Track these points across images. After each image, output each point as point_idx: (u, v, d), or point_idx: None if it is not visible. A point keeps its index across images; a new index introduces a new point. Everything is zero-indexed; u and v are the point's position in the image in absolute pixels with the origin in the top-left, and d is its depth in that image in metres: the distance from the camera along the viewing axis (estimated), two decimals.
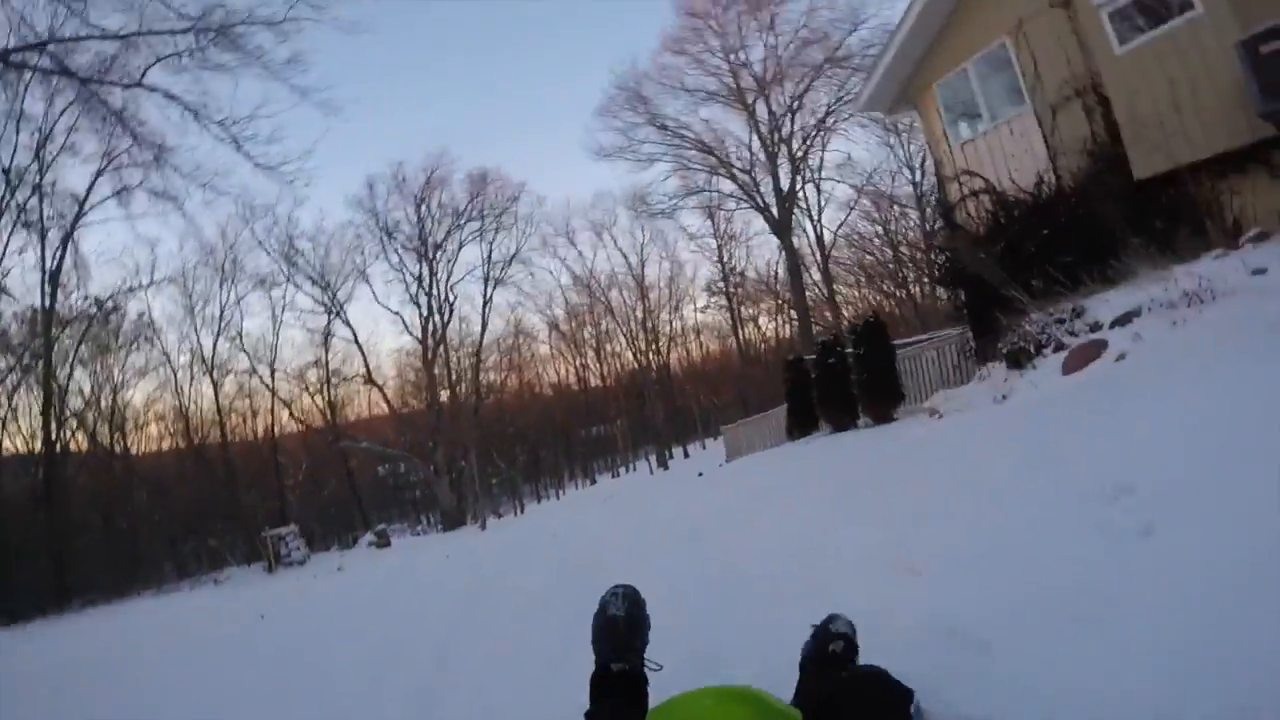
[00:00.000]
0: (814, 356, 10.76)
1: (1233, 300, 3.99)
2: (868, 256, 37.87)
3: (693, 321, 47.73)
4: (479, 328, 28.28)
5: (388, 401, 26.74)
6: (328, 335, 27.13)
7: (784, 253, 26.26)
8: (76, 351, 24.20)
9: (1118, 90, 7.52)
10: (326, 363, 27.99)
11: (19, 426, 23.83)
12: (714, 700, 1.81)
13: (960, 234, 9.34)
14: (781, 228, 25.31)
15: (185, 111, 16.30)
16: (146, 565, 24.46)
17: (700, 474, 15.58)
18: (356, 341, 26.59)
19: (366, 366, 26.74)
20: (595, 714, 1.76)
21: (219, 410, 28.54)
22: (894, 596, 2.52)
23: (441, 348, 25.07)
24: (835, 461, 6.54)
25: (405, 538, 25.30)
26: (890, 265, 36.45)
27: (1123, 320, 4.42)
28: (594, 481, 42.29)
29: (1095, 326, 4.65)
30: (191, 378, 27.94)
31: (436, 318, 24.94)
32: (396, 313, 26.00)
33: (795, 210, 26.82)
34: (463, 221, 27.04)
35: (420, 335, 25.08)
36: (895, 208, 33.58)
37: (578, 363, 45.76)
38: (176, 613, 13.55)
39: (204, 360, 27.06)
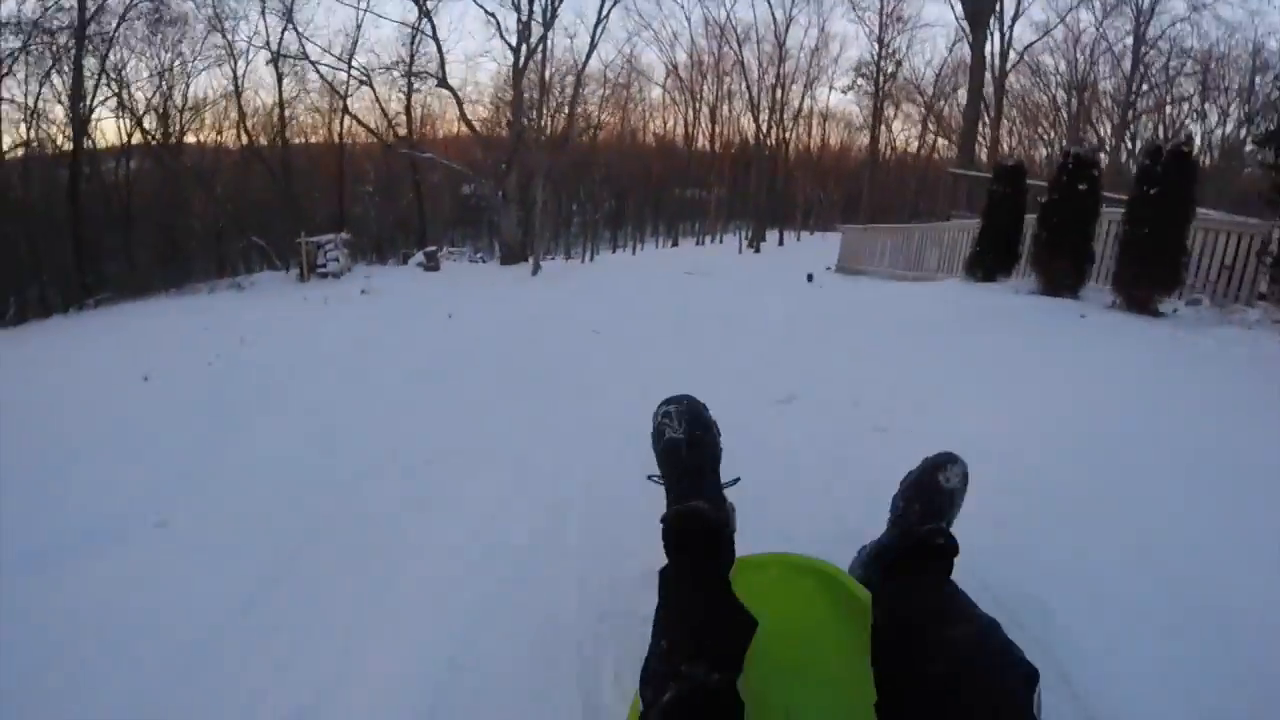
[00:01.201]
0: (1050, 181, 7.11)
1: None
2: (1040, 95, 31.39)
3: (823, 105, 41.90)
4: (587, 47, 23.54)
5: (463, 113, 22.64)
6: (415, 32, 22.75)
7: (969, 47, 20.56)
8: (116, 31, 20.24)
9: None
10: (410, 64, 23.85)
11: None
12: (779, 570, 1.51)
13: None
14: (977, 15, 19.49)
15: None
16: (187, 262, 23.15)
17: (810, 277, 12.43)
18: (435, 38, 22.01)
19: (442, 66, 22.05)
20: (676, 574, 1.32)
21: (280, 103, 25.12)
22: None
23: (537, 60, 20.79)
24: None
25: (461, 263, 23.07)
26: (1062, 112, 30.16)
27: None
28: (675, 244, 39.34)
29: None
30: (247, 65, 24.41)
31: (536, 24, 20.27)
32: (491, 14, 21.14)
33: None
34: None
35: (514, 42, 20.51)
36: (1101, 45, 26.95)
37: (689, 116, 40.87)
38: (138, 331, 11.53)
39: (269, 48, 23.03)
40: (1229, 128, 27.73)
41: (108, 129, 48.63)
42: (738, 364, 4.13)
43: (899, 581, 1.37)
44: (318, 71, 22.86)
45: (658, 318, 7.04)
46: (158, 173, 24.66)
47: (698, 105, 39.23)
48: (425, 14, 21.43)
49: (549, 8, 19.56)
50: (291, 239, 19.53)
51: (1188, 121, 27.34)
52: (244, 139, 26.01)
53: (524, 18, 19.87)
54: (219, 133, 27.60)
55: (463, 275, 17.94)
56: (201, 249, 25.37)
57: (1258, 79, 25.04)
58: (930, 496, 1.52)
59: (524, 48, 20.10)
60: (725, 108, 39.38)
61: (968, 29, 20.27)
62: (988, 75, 22.51)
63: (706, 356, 4.61)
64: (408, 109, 27.80)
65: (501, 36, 20.79)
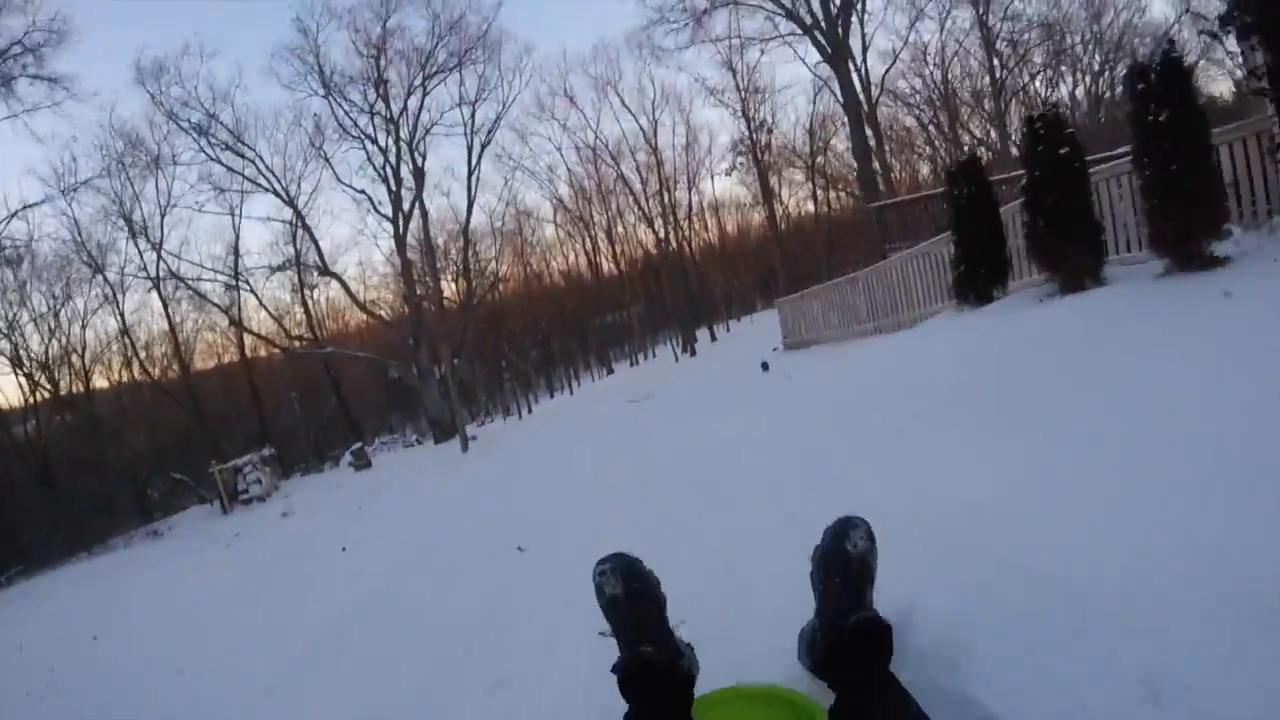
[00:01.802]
0: (1023, 158, 5.71)
1: None
2: (906, 119, 32.06)
3: (710, 198, 42.18)
4: (465, 204, 22.59)
5: (353, 297, 21.05)
6: (293, 227, 21.59)
7: (835, 92, 20.28)
8: None
9: None
10: (297, 259, 22.69)
11: None
12: (742, 703, 1.57)
13: None
14: (836, 51, 19.00)
15: None
16: (110, 514, 21.12)
17: (765, 366, 10.85)
18: (307, 229, 20.76)
19: (321, 256, 20.92)
20: (638, 715, 1.39)
21: (171, 329, 23.95)
22: None
23: (420, 226, 19.73)
24: None
25: (395, 450, 21.11)
26: (939, 128, 30.63)
27: None
28: (610, 370, 37.89)
29: None
30: (123, 296, 22.96)
31: (408, 191, 19.26)
32: (362, 191, 20.04)
33: (849, 33, 20.55)
34: (430, 70, 20.51)
35: (390, 213, 19.45)
36: (950, 48, 27.61)
37: (587, 245, 40.39)
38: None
39: (146, 274, 21.67)
40: (1090, 81, 28.23)
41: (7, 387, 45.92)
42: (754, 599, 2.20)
43: (845, 689, 1.38)
44: (194, 291, 21.01)
45: (606, 485, 5.25)
46: (63, 427, 23.13)
47: (593, 231, 38.78)
48: (293, 207, 20.21)
49: (416, 171, 18.60)
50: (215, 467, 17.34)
51: (1048, 90, 27.79)
52: (143, 375, 24.50)
53: (394, 188, 18.79)
54: (120, 373, 26.04)
55: (393, 468, 16.00)
56: (128, 494, 23.11)
57: (1100, 23, 25.76)
58: (844, 566, 1.53)
59: (399, 217, 18.93)
60: (619, 225, 39.05)
61: (831, 72, 19.78)
62: (863, 108, 22.35)
63: (701, 572, 2.65)
64: (305, 306, 26.61)
65: (376, 211, 19.66)
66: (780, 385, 7.55)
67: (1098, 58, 27.92)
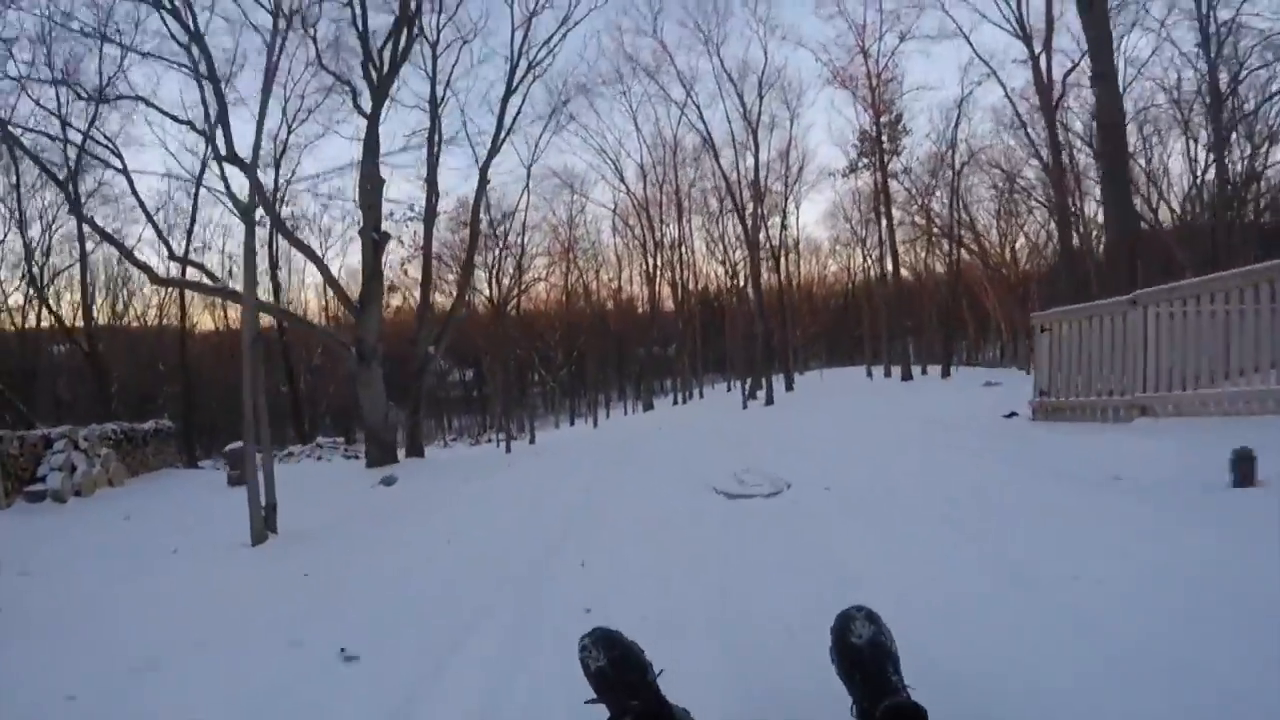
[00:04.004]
0: None
1: None
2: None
3: (793, 234, 34.46)
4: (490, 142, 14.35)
5: (262, 194, 12.58)
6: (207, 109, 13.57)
7: (1036, 62, 12.81)
8: None
9: None
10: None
11: None
12: None
13: None
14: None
15: None
16: None
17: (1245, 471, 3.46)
18: (217, 88, 12.23)
19: (226, 132, 11.66)
20: None
21: (83, 256, 19.28)
22: None
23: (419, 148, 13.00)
24: None
25: (330, 463, 14.29)
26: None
27: None
28: (650, 406, 30.60)
29: None
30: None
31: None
32: (345, 82, 12.79)
33: None
34: None
35: (368, 106, 11.62)
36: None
37: (647, 264, 32.92)
38: None
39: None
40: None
41: None
42: None
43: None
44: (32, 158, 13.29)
45: None
46: None
47: (656, 246, 31.52)
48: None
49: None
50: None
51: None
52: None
53: (380, 64, 11.66)
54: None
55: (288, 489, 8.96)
56: None
57: None
58: (856, 662, 1.48)
59: (380, 105, 11.70)
60: (685, 250, 31.83)
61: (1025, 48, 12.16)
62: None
63: None
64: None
65: (354, 104, 12.52)
66: None
67: None
